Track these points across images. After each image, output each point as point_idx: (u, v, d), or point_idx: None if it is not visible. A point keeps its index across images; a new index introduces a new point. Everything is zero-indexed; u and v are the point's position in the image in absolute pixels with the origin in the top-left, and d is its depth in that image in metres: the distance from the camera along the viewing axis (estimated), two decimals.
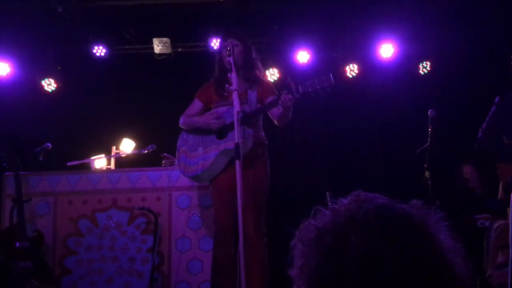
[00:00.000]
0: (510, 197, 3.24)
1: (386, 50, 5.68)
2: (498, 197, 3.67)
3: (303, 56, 5.67)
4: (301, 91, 3.18)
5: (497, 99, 3.62)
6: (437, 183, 4.01)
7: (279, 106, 3.28)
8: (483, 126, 3.64)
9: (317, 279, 0.83)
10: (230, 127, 3.27)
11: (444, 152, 4.61)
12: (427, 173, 4.07)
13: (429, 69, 5.78)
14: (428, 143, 4.03)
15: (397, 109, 5.62)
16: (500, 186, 3.59)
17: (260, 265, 3.36)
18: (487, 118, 3.64)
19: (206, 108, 3.68)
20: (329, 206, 0.91)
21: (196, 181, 3.77)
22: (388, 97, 5.66)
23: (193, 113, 3.65)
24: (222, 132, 3.42)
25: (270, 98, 3.45)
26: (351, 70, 5.79)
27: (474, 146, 3.68)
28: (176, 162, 3.70)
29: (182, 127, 3.63)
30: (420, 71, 5.81)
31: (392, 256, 0.79)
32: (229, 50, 3.32)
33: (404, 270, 0.78)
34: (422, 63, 5.79)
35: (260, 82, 3.57)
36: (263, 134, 3.58)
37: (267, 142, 3.57)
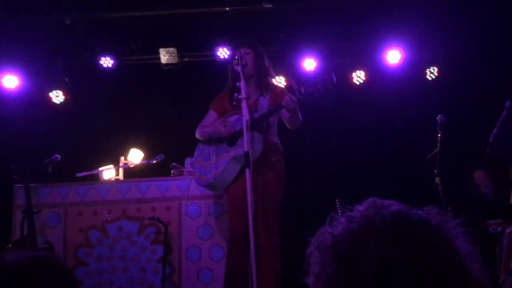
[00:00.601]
0: None
1: (393, 56, 5.67)
2: (510, 202, 3.64)
3: (309, 64, 5.68)
4: (303, 91, 3.21)
5: (508, 103, 3.60)
6: (447, 189, 3.98)
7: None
8: (494, 131, 3.62)
9: (334, 286, 0.82)
10: (240, 134, 3.31)
11: (454, 157, 4.59)
12: (437, 179, 4.05)
13: (436, 74, 5.77)
14: (438, 148, 4.01)
15: (406, 115, 5.61)
16: None
17: (273, 273, 3.35)
18: (498, 122, 3.62)
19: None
20: (344, 213, 0.91)
21: (211, 190, 3.78)
22: (396, 103, 5.64)
23: (207, 123, 3.70)
24: (232, 139, 3.46)
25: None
26: (358, 77, 5.79)
27: (485, 151, 3.66)
28: (185, 170, 3.69)
29: (198, 138, 3.68)
30: (428, 77, 5.80)
31: (409, 263, 0.79)
32: (237, 59, 3.35)
33: (421, 276, 0.78)
34: (429, 68, 5.78)
35: (273, 88, 3.61)
36: (278, 141, 3.59)
37: (282, 149, 3.58)
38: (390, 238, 0.81)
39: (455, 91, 5.55)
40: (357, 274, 0.80)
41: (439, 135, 4.05)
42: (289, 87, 3.33)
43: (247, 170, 3.06)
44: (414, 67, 5.78)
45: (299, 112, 3.41)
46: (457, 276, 0.81)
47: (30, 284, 1.02)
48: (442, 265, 0.80)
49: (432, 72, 5.77)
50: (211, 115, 3.74)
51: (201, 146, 3.70)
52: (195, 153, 3.74)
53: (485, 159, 3.73)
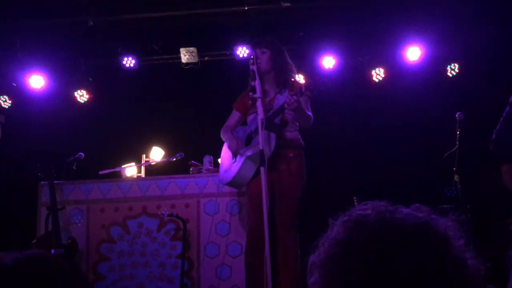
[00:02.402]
0: None
1: (413, 53, 5.62)
2: None
3: (328, 62, 5.67)
4: (303, 89, 3.24)
5: (511, 99, 3.54)
6: (466, 187, 3.95)
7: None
8: (497, 127, 3.56)
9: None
10: (255, 132, 3.36)
11: (473, 155, 4.53)
12: (456, 177, 4.01)
13: (457, 71, 5.69)
14: (457, 146, 3.98)
15: (425, 112, 5.56)
16: None
17: (291, 270, 3.40)
18: (501, 118, 3.56)
19: (245, 118, 3.77)
20: (349, 219, 0.89)
21: (234, 187, 3.87)
22: (416, 100, 5.60)
23: (232, 123, 3.77)
24: (249, 138, 3.52)
25: None
26: (377, 74, 5.76)
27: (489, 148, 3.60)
28: (204, 168, 3.76)
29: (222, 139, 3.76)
30: (448, 74, 5.73)
31: (434, 270, 0.80)
32: (253, 59, 3.39)
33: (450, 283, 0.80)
34: (450, 65, 5.71)
35: (292, 85, 3.62)
36: (297, 135, 3.62)
37: (303, 144, 3.61)
38: (414, 251, 0.81)
39: (476, 88, 5.48)
40: (384, 280, 0.79)
41: (457, 132, 4.01)
42: (300, 87, 3.36)
43: (262, 168, 3.11)
44: (434, 64, 5.71)
45: (306, 112, 3.43)
46: (459, 277, 0.83)
47: (28, 283, 1.03)
48: (447, 272, 0.81)
49: (453, 69, 5.70)
50: (235, 115, 3.80)
51: (225, 146, 3.79)
52: (222, 152, 3.83)
53: (489, 156, 3.66)
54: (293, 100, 3.19)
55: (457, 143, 3.99)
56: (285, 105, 3.27)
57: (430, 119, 5.51)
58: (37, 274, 1.05)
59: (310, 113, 3.49)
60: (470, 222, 3.91)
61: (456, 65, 5.69)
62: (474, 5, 5.25)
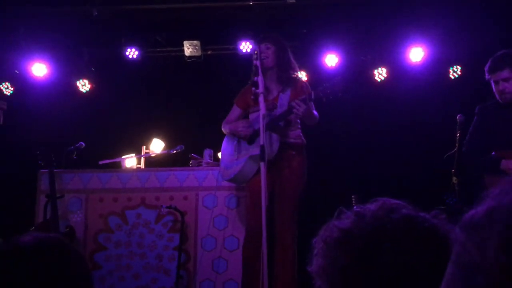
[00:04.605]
0: None
1: (416, 53, 5.63)
2: None
3: (331, 60, 5.68)
4: (313, 97, 3.25)
5: (477, 109, 3.56)
6: (464, 189, 3.96)
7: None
8: (467, 138, 3.56)
9: (342, 280, 0.86)
10: (258, 132, 3.37)
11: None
12: (454, 179, 4.03)
13: (459, 73, 5.70)
14: (456, 148, 3.99)
15: (426, 113, 5.57)
16: None
17: (289, 267, 3.42)
18: (470, 129, 3.57)
19: (246, 113, 3.77)
20: (354, 210, 0.94)
21: (234, 183, 3.88)
22: (417, 101, 5.61)
23: (232, 118, 3.78)
24: (252, 137, 3.53)
25: None
26: (380, 73, 5.77)
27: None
28: (204, 161, 3.77)
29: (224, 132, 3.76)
30: (451, 75, 5.73)
31: (418, 270, 0.82)
32: (257, 54, 3.39)
33: (430, 283, 0.81)
34: (453, 67, 5.71)
35: (294, 83, 3.62)
36: (299, 134, 3.63)
37: (305, 142, 3.62)
38: (403, 245, 0.84)
39: (478, 91, 5.48)
40: (368, 275, 0.83)
41: (458, 134, 4.02)
42: (303, 87, 3.37)
43: (262, 164, 3.12)
44: (437, 65, 5.72)
45: (312, 113, 3.44)
46: None
47: (44, 264, 1.07)
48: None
49: (455, 71, 5.70)
50: (235, 110, 3.81)
51: (226, 141, 3.79)
52: (222, 147, 3.83)
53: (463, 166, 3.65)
54: (299, 106, 3.21)
55: (456, 145, 4.00)
56: (294, 110, 3.29)
57: (430, 120, 5.51)
58: (55, 255, 1.09)
59: (315, 113, 3.50)
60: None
61: (459, 68, 5.69)
62: (479, 7, 5.26)
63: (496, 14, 5.29)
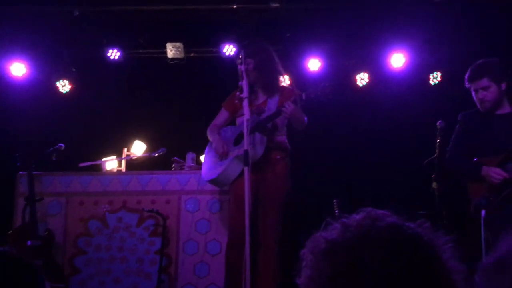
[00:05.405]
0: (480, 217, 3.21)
1: (397, 59, 5.70)
2: None
3: (314, 64, 5.72)
4: (304, 97, 3.26)
5: (459, 116, 3.63)
6: (444, 194, 4.02)
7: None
8: (450, 146, 3.63)
9: None
10: (243, 134, 3.36)
11: None
12: (434, 184, 4.08)
13: (439, 79, 5.80)
14: (436, 154, 4.04)
15: (407, 119, 5.64)
16: None
17: (271, 271, 3.42)
18: (452, 137, 3.63)
19: (233, 117, 3.76)
20: (339, 219, 0.94)
21: (216, 185, 3.84)
22: (398, 106, 5.68)
23: (219, 122, 3.76)
24: (238, 139, 3.53)
25: None
26: (362, 79, 5.83)
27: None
28: (186, 165, 3.75)
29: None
30: (431, 82, 5.82)
31: (402, 277, 0.83)
32: (241, 59, 3.39)
33: None
34: (433, 73, 5.80)
35: (281, 89, 3.63)
36: (285, 139, 3.63)
37: (289, 148, 3.63)
38: (386, 253, 0.85)
39: (458, 97, 5.57)
40: (353, 283, 0.84)
41: (438, 140, 4.08)
42: (290, 92, 3.37)
43: (245, 169, 3.12)
44: (417, 71, 5.81)
45: (301, 114, 3.44)
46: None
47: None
48: (434, 280, 0.84)
49: (435, 77, 5.79)
50: (223, 113, 3.79)
51: (211, 143, 3.77)
52: (206, 149, 3.81)
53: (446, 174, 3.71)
54: (290, 108, 3.21)
55: (436, 151, 4.05)
56: (282, 111, 3.28)
57: (412, 125, 5.59)
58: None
59: (304, 116, 3.51)
60: (445, 229, 3.99)
61: (439, 74, 5.79)
62: (459, 15, 5.35)
63: (475, 22, 5.39)
